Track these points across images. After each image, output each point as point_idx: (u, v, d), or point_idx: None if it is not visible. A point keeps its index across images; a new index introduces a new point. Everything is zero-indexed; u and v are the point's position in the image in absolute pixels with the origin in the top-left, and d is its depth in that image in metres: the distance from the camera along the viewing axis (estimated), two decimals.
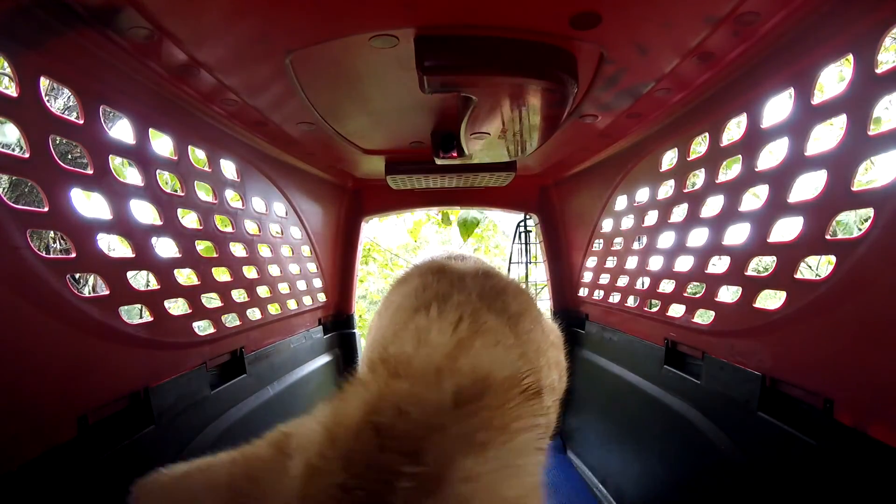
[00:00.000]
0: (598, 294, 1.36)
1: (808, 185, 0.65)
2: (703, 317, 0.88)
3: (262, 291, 1.11)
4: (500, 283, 0.78)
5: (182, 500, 0.42)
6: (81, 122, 0.62)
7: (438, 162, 1.02)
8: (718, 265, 0.82)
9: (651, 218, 1.04)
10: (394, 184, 1.33)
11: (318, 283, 1.45)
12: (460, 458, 0.38)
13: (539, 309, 0.89)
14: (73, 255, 0.61)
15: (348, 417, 0.41)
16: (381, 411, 0.40)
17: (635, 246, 1.14)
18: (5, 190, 2.15)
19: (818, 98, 0.59)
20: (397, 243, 4.15)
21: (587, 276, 1.44)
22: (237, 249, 1.01)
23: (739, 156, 0.74)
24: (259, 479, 0.42)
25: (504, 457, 0.41)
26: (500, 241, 3.88)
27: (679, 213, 0.94)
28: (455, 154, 0.95)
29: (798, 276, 0.64)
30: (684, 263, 0.92)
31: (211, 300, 0.91)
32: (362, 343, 1.64)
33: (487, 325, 0.62)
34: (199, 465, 0.44)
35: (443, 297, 0.68)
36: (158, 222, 0.77)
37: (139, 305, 0.74)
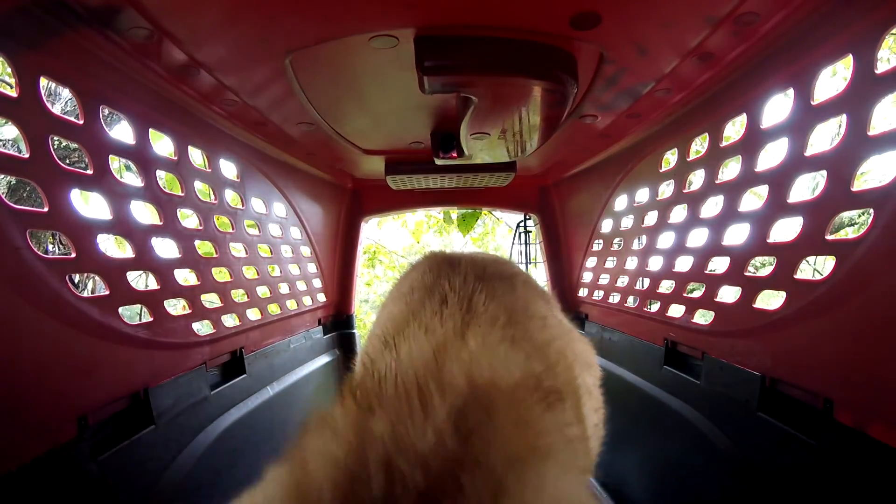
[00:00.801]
0: (598, 294, 1.36)
1: (808, 185, 0.65)
2: (703, 317, 0.88)
3: (262, 292, 1.11)
4: (508, 269, 0.69)
5: None
6: (81, 122, 0.62)
7: (438, 162, 1.02)
8: (718, 265, 0.82)
9: (651, 218, 1.04)
10: (393, 184, 1.33)
11: (317, 283, 1.45)
12: None
13: (553, 299, 0.84)
14: (73, 255, 0.61)
15: (315, 489, 0.29)
16: (363, 476, 0.28)
17: (635, 246, 1.14)
18: (4, 193, 2.15)
19: (818, 98, 0.59)
20: (402, 245, 4.16)
21: (587, 277, 1.44)
22: (237, 250, 1.01)
23: (739, 156, 0.74)
24: None
25: (551, 480, 0.30)
26: (500, 241, 3.88)
27: (679, 213, 0.94)
28: (455, 154, 0.95)
29: (798, 275, 0.64)
30: (684, 263, 0.92)
31: (211, 300, 0.91)
32: (362, 344, 1.64)
33: (486, 310, 0.53)
34: None
35: (430, 290, 0.61)
36: (158, 223, 0.77)
37: (139, 306, 0.74)
